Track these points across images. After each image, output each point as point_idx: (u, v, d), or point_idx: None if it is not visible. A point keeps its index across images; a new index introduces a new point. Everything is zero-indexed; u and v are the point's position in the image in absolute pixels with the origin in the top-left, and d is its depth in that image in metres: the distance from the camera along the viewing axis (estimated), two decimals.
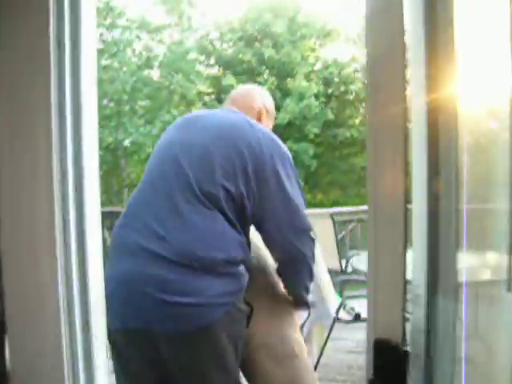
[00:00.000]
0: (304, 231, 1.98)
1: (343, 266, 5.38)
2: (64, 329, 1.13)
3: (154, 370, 1.81)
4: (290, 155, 2.08)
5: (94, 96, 1.20)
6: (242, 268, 1.81)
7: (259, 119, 2.20)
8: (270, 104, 2.35)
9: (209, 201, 1.79)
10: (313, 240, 2.01)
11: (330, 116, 15.96)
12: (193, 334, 1.72)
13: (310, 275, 2.08)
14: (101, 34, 12.28)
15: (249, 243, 1.91)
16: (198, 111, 2.35)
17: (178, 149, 1.91)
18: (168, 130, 2.13)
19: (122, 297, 1.76)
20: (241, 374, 1.99)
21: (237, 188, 1.82)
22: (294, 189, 1.97)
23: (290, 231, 1.93)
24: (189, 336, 1.73)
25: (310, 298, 2.24)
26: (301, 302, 2.15)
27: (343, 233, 6.92)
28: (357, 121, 17.25)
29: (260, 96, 2.30)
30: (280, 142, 2.07)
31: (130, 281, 1.76)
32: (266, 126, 2.21)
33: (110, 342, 1.71)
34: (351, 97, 18.18)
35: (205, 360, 1.77)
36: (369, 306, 1.09)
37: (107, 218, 8.00)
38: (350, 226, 7.12)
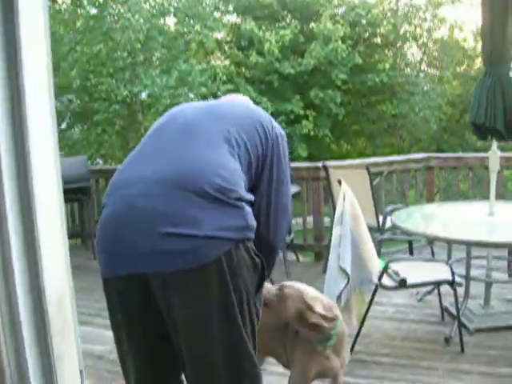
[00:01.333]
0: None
1: (381, 223, 4.94)
2: None
3: (151, 310, 1.77)
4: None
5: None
6: (248, 207, 1.77)
7: None
8: None
9: (227, 142, 1.84)
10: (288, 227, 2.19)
11: (358, 60, 15.16)
12: (189, 272, 1.64)
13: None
14: None
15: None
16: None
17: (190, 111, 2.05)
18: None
19: (111, 240, 1.79)
20: None
21: (252, 147, 1.90)
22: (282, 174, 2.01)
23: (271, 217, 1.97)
24: (184, 275, 1.65)
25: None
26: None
27: (378, 181, 6.43)
28: (386, 65, 16.45)
29: None
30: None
31: (120, 217, 1.74)
32: None
33: (104, 290, 1.86)
34: (379, 40, 17.39)
35: (200, 304, 1.69)
36: None
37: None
38: (384, 178, 6.57)
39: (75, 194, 6.52)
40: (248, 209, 1.78)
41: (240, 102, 2.22)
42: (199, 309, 1.71)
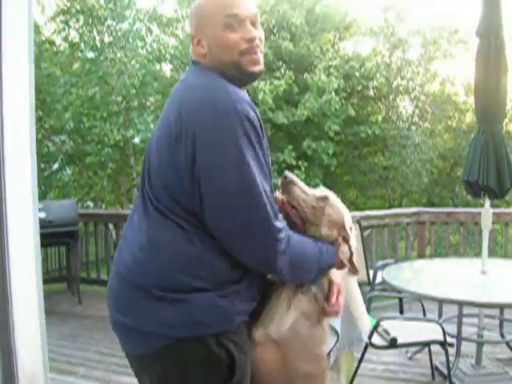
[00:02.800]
0: (268, 233, 1.54)
1: (371, 277, 4.89)
2: None
3: None
4: (245, 113, 1.53)
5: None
6: (198, 298, 1.52)
7: (198, 52, 1.72)
8: (195, 18, 1.74)
9: (156, 208, 1.60)
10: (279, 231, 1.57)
11: (351, 112, 15.30)
12: (134, 358, 1.67)
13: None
14: (108, 26, 11.74)
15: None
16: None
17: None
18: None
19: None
20: None
21: (173, 185, 1.57)
22: (244, 169, 1.51)
23: (246, 235, 1.53)
24: (132, 357, 1.68)
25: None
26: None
27: (368, 233, 6.40)
28: (379, 117, 16.60)
29: (190, 18, 1.77)
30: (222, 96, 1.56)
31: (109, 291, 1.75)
32: (208, 42, 1.69)
33: None
34: (372, 92, 17.60)
35: None
36: None
37: (112, 220, 7.59)
38: (372, 232, 6.56)
39: (63, 237, 6.44)
40: (196, 300, 1.54)
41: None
42: None
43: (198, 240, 1.55)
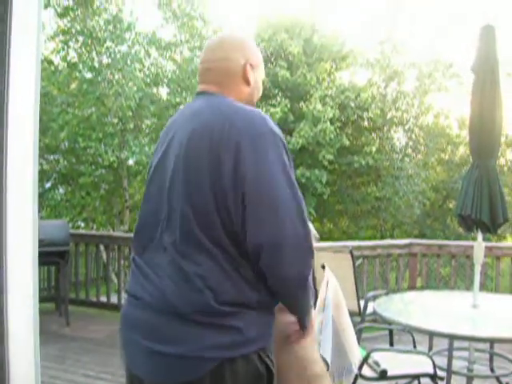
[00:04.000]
0: (302, 246, 1.58)
1: (362, 309, 4.87)
2: None
3: None
4: (277, 133, 1.66)
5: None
6: (236, 319, 1.56)
7: (246, 80, 1.84)
8: (252, 52, 1.87)
9: (187, 240, 1.60)
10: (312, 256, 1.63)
11: (345, 142, 15.40)
12: None
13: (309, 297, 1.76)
14: (107, 48, 11.82)
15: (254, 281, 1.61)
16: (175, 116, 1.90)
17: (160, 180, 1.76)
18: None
19: (122, 339, 1.75)
20: None
21: (208, 210, 1.58)
22: (281, 184, 1.58)
23: (280, 246, 1.55)
24: None
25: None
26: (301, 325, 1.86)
27: (360, 263, 6.39)
28: (373, 148, 16.69)
29: (236, 49, 1.83)
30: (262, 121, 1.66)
31: (125, 324, 1.74)
32: (256, 81, 1.88)
33: None
34: (367, 123, 17.73)
35: None
36: None
37: (103, 242, 7.56)
38: (363, 263, 6.57)
39: (53, 257, 6.41)
40: (235, 320, 1.57)
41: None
42: None
43: (231, 269, 1.59)
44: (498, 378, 4.46)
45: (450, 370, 4.03)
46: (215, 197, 1.56)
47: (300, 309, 1.79)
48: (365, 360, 3.48)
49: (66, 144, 12.71)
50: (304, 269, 1.61)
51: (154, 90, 13.30)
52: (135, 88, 11.85)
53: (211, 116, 1.65)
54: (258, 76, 1.89)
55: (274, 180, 1.56)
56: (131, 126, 12.01)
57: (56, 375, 4.74)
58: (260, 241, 1.55)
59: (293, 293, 1.69)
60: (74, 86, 12.65)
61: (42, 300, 7.35)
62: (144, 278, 1.69)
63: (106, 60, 12.06)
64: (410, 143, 18.84)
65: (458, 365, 4.32)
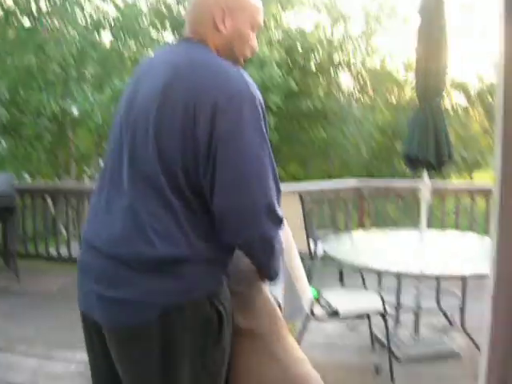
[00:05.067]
0: (267, 208, 1.58)
1: (312, 249, 4.93)
2: None
3: (104, 351, 1.72)
4: (255, 95, 1.61)
5: None
6: (183, 268, 1.58)
7: (215, 26, 1.72)
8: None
9: (149, 186, 1.58)
10: (280, 220, 1.64)
11: (293, 86, 15.32)
12: (124, 331, 1.62)
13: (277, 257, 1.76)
14: None
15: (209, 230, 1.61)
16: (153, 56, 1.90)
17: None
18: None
19: (78, 284, 1.76)
20: None
21: (176, 160, 1.55)
22: (254, 145, 1.57)
23: (248, 208, 1.56)
24: (121, 333, 1.63)
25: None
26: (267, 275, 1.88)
27: (309, 207, 6.46)
28: (321, 92, 16.68)
29: None
30: (235, 77, 1.61)
31: (80, 269, 1.75)
32: (234, 27, 1.73)
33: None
34: (314, 67, 17.65)
35: (134, 362, 1.65)
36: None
37: (49, 194, 7.41)
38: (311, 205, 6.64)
39: None
40: (183, 268, 1.58)
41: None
42: (134, 372, 1.68)
43: (188, 225, 1.58)
44: (444, 313, 4.63)
45: (398, 306, 4.15)
46: (185, 149, 1.54)
47: (268, 274, 1.85)
48: (316, 300, 3.55)
49: (7, 95, 12.27)
50: (269, 233, 1.62)
51: (96, 36, 12.89)
52: (76, 34, 11.47)
53: (188, 73, 1.60)
54: (240, 22, 1.74)
55: (248, 141, 1.55)
56: (74, 74, 11.64)
57: (7, 331, 4.69)
58: (226, 204, 1.56)
59: (258, 258, 1.73)
60: (11, 33, 12.15)
61: None
62: (99, 223, 1.69)
63: (44, 6, 11.58)
64: (357, 86, 18.92)
65: (406, 300, 4.45)
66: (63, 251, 7.02)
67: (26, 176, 14.07)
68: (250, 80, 1.63)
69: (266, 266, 1.77)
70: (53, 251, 7.15)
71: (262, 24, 1.83)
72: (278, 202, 1.63)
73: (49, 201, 7.38)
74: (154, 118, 1.58)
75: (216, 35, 1.72)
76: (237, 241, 1.64)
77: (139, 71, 1.79)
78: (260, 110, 1.60)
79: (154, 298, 1.57)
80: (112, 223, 1.64)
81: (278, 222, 1.63)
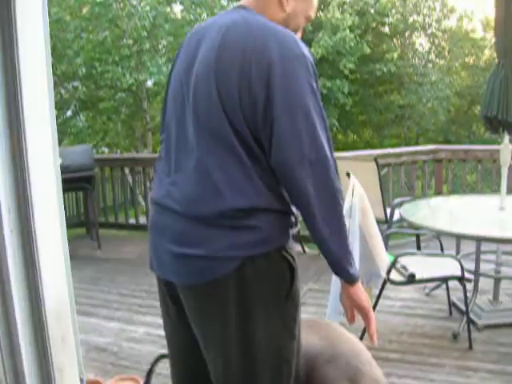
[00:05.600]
0: (325, 165, 1.60)
1: (388, 215, 4.88)
2: None
3: (179, 315, 1.81)
4: (307, 57, 1.64)
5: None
6: (256, 219, 1.63)
7: (281, 4, 1.77)
8: None
9: (210, 138, 1.63)
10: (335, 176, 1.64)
11: (366, 50, 15.01)
12: (201, 287, 1.68)
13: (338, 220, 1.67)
14: None
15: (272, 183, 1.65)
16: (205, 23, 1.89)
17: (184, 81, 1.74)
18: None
19: (151, 245, 1.82)
20: None
21: (236, 110, 1.59)
22: (308, 106, 1.59)
23: (302, 162, 1.58)
24: (198, 289, 1.69)
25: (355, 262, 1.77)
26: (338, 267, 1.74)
27: (385, 172, 6.38)
28: (395, 55, 16.28)
29: None
30: (292, 41, 1.64)
31: (153, 231, 1.81)
32: (295, 11, 1.81)
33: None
34: (388, 29, 17.23)
35: (211, 317, 1.70)
36: None
37: (127, 165, 7.61)
38: (388, 171, 6.53)
39: (80, 182, 6.47)
40: (253, 221, 1.63)
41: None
42: (211, 327, 1.73)
43: (255, 173, 1.63)
44: None
45: (477, 272, 4.06)
46: (244, 105, 1.59)
47: (333, 239, 1.69)
48: (393, 265, 3.52)
49: (84, 70, 12.61)
50: (326, 184, 1.63)
51: (168, 8, 13.00)
52: (148, 7, 11.60)
53: (245, 32, 1.64)
54: (300, 7, 1.82)
55: (302, 102, 1.58)
56: (147, 46, 11.81)
57: (92, 295, 4.89)
58: (282, 159, 1.59)
59: (321, 211, 1.65)
60: (85, 10, 12.43)
61: (72, 226, 7.52)
62: (170, 184, 1.74)
63: None
64: (433, 48, 18.35)
65: (485, 268, 4.35)
66: (142, 220, 7.22)
67: (105, 149, 14.51)
68: (301, 42, 1.67)
69: (333, 225, 1.68)
70: (132, 221, 7.37)
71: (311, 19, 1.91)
72: (334, 166, 1.64)
73: (127, 172, 7.59)
74: (214, 77, 1.62)
75: (277, 10, 1.78)
76: (294, 192, 1.65)
77: (197, 34, 1.80)
78: (312, 71, 1.63)
79: (229, 252, 1.62)
80: (184, 183, 1.69)
81: (334, 175, 1.64)
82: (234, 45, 1.63)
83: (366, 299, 1.78)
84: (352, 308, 1.81)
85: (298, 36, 1.81)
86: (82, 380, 1.22)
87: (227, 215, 1.62)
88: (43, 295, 0.96)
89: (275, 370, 1.73)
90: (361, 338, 3.61)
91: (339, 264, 1.71)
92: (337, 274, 1.75)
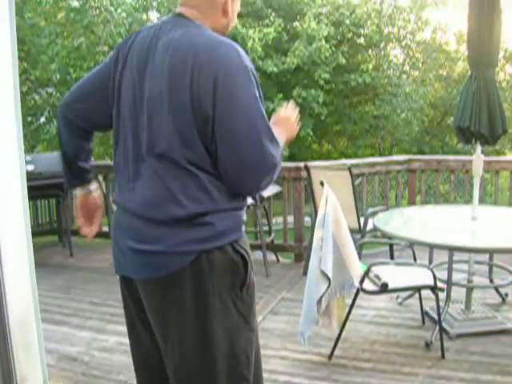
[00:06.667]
0: (264, 165, 1.75)
1: (362, 225, 4.90)
2: None
3: (139, 313, 1.92)
4: (249, 67, 1.75)
5: None
6: (209, 217, 1.75)
7: (225, 11, 1.91)
8: None
9: (165, 157, 1.75)
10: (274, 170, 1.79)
11: (341, 60, 15.12)
12: (159, 281, 1.78)
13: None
14: None
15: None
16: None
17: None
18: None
19: (113, 244, 1.92)
20: None
21: (189, 133, 1.72)
22: (252, 113, 1.72)
23: (246, 166, 1.73)
24: (156, 283, 1.79)
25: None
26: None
27: (359, 182, 6.41)
28: (369, 66, 16.43)
29: None
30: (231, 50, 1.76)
31: (115, 230, 1.92)
32: (233, 13, 1.95)
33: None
34: (363, 40, 17.37)
35: (169, 309, 1.80)
36: None
37: (101, 172, 7.54)
38: (362, 181, 6.57)
39: (52, 189, 6.41)
40: (207, 218, 1.75)
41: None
42: (169, 318, 1.82)
43: (210, 185, 1.75)
44: (496, 289, 4.54)
45: (450, 281, 4.09)
46: (196, 121, 1.70)
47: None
48: (366, 274, 3.53)
49: (58, 76, 12.49)
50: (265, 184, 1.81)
51: (144, 15, 12.96)
52: (124, 14, 11.54)
53: (191, 51, 1.71)
54: (236, 8, 1.96)
55: (246, 111, 1.70)
56: None
57: (63, 304, 4.82)
58: (230, 166, 1.73)
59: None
60: (60, 15, 12.33)
61: (44, 233, 7.43)
62: (132, 189, 1.84)
63: None
64: (408, 60, 18.56)
65: (457, 277, 4.38)
66: None
67: None
68: (243, 52, 1.77)
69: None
70: (105, 228, 7.29)
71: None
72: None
73: (101, 179, 7.52)
74: (167, 97, 1.73)
75: (220, 17, 1.91)
76: (242, 193, 1.85)
77: (142, 47, 1.85)
78: (254, 81, 1.74)
79: (185, 247, 1.74)
80: (143, 189, 1.80)
81: (274, 169, 1.77)
82: (182, 64, 1.71)
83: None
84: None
85: (229, 29, 1.96)
86: None
87: (184, 219, 1.74)
88: (6, 304, 0.93)
89: (232, 358, 1.82)
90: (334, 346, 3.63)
91: None
92: None
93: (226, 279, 1.79)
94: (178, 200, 1.73)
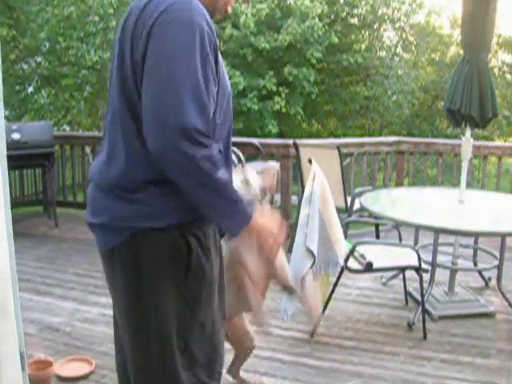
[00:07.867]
0: (179, 127, 1.50)
1: (349, 204, 4.91)
2: None
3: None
4: (197, 23, 1.58)
5: None
6: (145, 194, 1.65)
7: None
8: None
9: (115, 116, 1.70)
10: (201, 145, 1.53)
11: (334, 40, 15.02)
12: (105, 255, 1.80)
13: (211, 189, 1.61)
14: None
15: None
16: None
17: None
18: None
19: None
20: None
21: (131, 92, 1.64)
22: (176, 67, 1.54)
23: (163, 130, 1.52)
24: (103, 257, 1.81)
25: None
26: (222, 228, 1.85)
27: (347, 162, 6.40)
28: (362, 46, 16.35)
29: None
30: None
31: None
32: None
33: None
34: (356, 20, 17.28)
35: (114, 283, 1.81)
36: None
37: (88, 143, 7.48)
38: (350, 161, 6.56)
39: (38, 159, 6.34)
40: (140, 195, 1.65)
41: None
42: (115, 292, 1.83)
43: (142, 147, 1.62)
44: (480, 272, 4.57)
45: (434, 263, 4.10)
46: (136, 72, 1.61)
47: (211, 210, 1.69)
48: (351, 253, 3.53)
49: (47, 44, 12.32)
50: (187, 153, 1.52)
51: None
52: None
53: (153, 5, 1.61)
54: None
55: (169, 65, 1.54)
56: (113, 24, 11.58)
57: (47, 275, 4.80)
58: (146, 130, 1.56)
59: (185, 182, 1.61)
60: None
61: (30, 203, 7.38)
62: (95, 161, 1.85)
63: None
64: (401, 42, 18.48)
65: (442, 259, 4.40)
66: None
67: (66, 127, 14.24)
68: (199, 13, 1.60)
69: (201, 198, 1.64)
70: None
71: None
72: (208, 132, 1.56)
73: (88, 151, 7.45)
74: (118, 50, 1.69)
75: None
76: (154, 152, 1.56)
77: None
78: (198, 39, 1.55)
79: (119, 223, 1.69)
80: (98, 159, 1.80)
81: (198, 145, 1.53)
82: (135, 21, 1.62)
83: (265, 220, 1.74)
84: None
85: (229, 11, 1.84)
86: (22, 353, 1.17)
87: (120, 185, 1.67)
88: None
89: (163, 340, 1.74)
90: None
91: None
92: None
93: (166, 262, 1.70)
94: (119, 164, 1.67)
